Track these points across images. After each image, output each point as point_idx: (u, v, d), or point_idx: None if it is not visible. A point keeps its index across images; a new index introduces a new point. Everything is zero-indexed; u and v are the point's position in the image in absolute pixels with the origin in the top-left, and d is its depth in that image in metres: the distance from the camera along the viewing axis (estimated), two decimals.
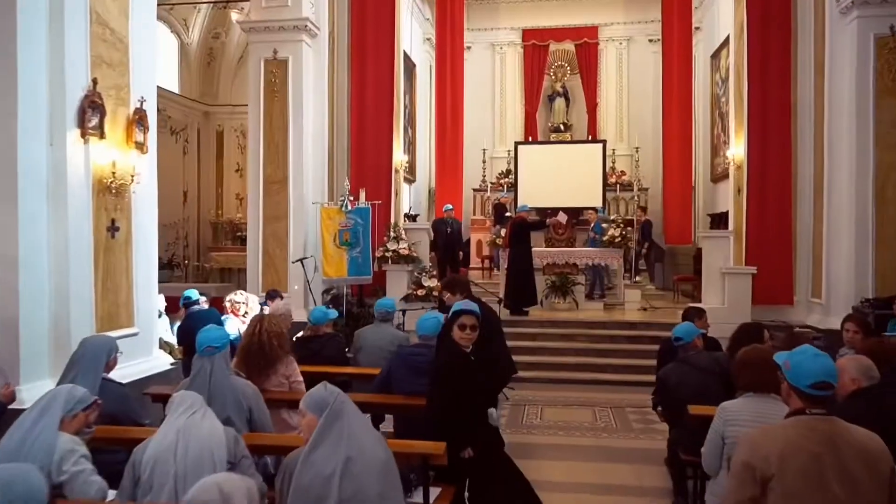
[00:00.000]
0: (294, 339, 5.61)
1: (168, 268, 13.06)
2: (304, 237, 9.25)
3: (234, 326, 6.42)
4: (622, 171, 15.15)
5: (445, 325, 4.04)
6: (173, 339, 6.72)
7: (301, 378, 4.50)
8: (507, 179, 14.98)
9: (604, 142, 14.14)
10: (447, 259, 11.69)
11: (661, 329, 9.15)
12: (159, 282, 13.52)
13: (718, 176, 13.69)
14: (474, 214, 14.83)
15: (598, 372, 8.62)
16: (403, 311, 8.03)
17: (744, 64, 9.47)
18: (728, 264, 8.81)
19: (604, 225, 11.13)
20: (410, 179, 14.75)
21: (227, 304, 6.90)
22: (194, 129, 14.33)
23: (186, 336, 6.41)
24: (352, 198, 9.01)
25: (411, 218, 14.08)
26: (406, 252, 9.09)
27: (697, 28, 14.59)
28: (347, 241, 9.02)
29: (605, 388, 8.21)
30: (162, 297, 6.97)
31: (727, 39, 12.02)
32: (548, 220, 11.15)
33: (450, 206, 13.06)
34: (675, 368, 4.30)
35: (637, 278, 11.80)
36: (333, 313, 5.69)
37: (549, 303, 10.55)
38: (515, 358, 8.78)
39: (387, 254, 9.11)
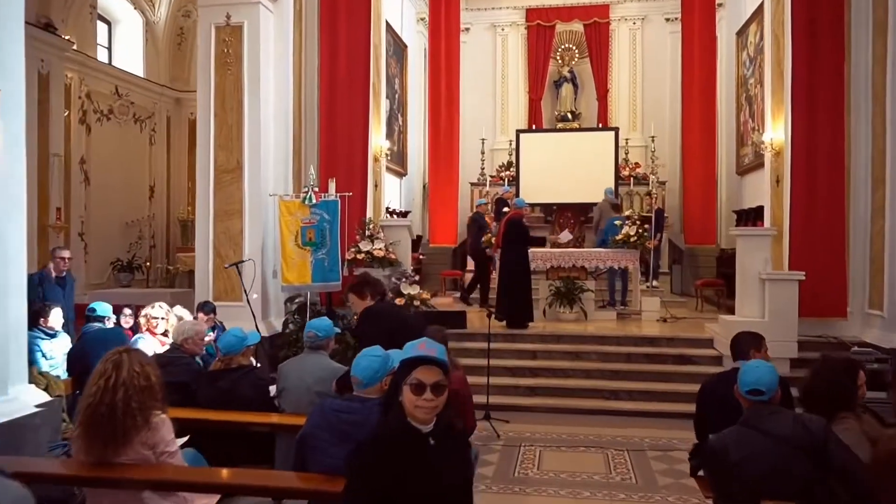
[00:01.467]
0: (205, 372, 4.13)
1: (128, 270, 11.63)
2: (261, 236, 7.77)
3: (150, 348, 4.97)
4: (636, 164, 13.59)
5: (393, 381, 2.51)
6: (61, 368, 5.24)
7: (176, 446, 3.01)
8: (508, 172, 13.46)
9: (616, 129, 12.59)
10: (480, 265, 10.12)
11: (686, 345, 7.63)
12: (119, 286, 12.23)
13: (745, 168, 12.09)
14: (471, 211, 13.26)
15: (610, 399, 7.08)
16: None
17: (785, 30, 7.91)
18: (767, 268, 7.24)
19: (617, 223, 9.57)
20: (401, 172, 13.26)
21: (142, 320, 5.44)
22: (163, 117, 12.89)
23: (77, 363, 4.95)
24: (317, 189, 7.52)
25: (401, 214, 12.60)
26: (381, 254, 7.59)
27: (720, 4, 13.01)
28: (311, 241, 7.53)
29: (619, 419, 6.68)
30: (59, 311, 5.49)
31: (757, 10, 10.46)
32: (549, 237, 9.68)
33: (483, 200, 11.44)
34: (738, 437, 2.76)
35: (655, 283, 10.23)
36: (254, 337, 4.19)
37: (553, 312, 9.02)
38: (509, 382, 7.41)
39: (358, 255, 7.61)
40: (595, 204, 11.24)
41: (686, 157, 12.97)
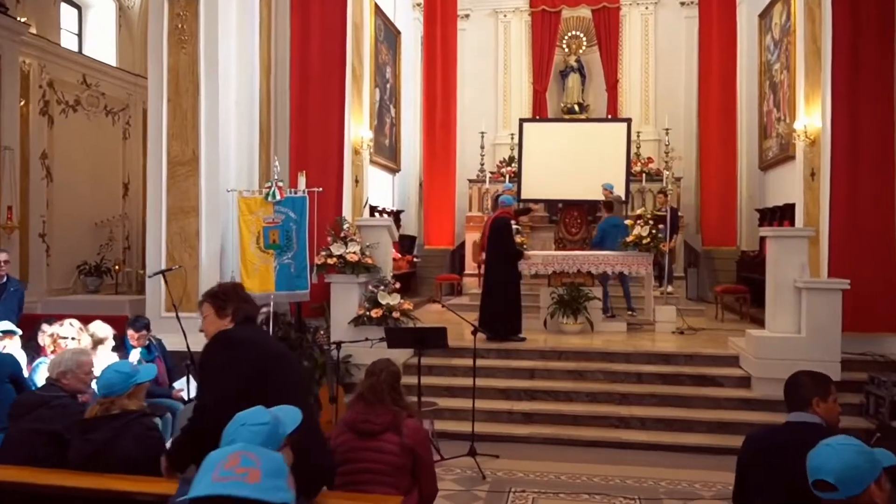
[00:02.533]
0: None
1: (96, 275, 10.72)
2: (220, 238, 6.82)
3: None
4: (649, 158, 12.51)
5: None
6: None
7: None
8: (509, 168, 12.42)
9: (629, 120, 11.51)
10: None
11: (707, 364, 6.60)
12: (86, 291, 11.32)
13: (770, 162, 11.01)
14: (470, 210, 12.29)
15: (619, 427, 6.04)
16: (338, 346, 5.54)
17: (822, 2, 6.85)
18: (805, 275, 6.17)
19: (627, 222, 8.53)
20: (393, 168, 12.28)
21: (47, 340, 4.48)
22: (138, 109, 11.96)
23: None
24: (281, 183, 6.54)
25: (393, 214, 11.61)
26: (355, 258, 6.60)
27: None
28: (275, 244, 6.56)
29: (630, 454, 5.64)
30: None
31: None
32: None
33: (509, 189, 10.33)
34: None
35: (670, 289, 9.16)
36: (148, 373, 3.20)
37: (556, 323, 7.99)
38: (502, 406, 6.43)
39: (329, 260, 6.62)
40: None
41: (703, 152, 11.89)
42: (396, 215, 11.92)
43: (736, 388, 6.34)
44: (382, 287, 6.75)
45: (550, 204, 11.97)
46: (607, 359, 6.85)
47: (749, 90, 11.74)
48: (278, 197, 6.52)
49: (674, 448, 5.70)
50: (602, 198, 9.78)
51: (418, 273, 12.41)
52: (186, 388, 5.15)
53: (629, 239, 8.20)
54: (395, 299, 6.71)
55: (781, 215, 9.79)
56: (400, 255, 11.53)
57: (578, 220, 11.46)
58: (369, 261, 6.76)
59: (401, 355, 6.42)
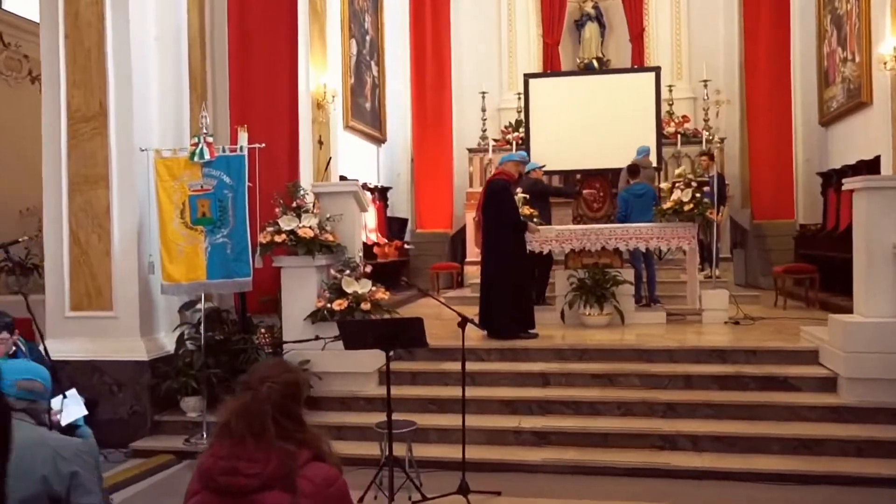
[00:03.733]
0: None
1: (20, 273, 9.64)
2: (138, 214, 5.70)
3: None
4: (684, 117, 11.29)
5: None
6: None
7: None
8: (516, 134, 11.27)
9: (657, 69, 10.32)
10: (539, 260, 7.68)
11: (777, 361, 5.48)
12: (8, 292, 10.27)
13: (833, 115, 9.81)
14: (471, 186, 11.16)
15: (665, 448, 4.88)
16: (277, 349, 4.44)
17: None
18: None
19: (663, 185, 7.37)
20: (377, 138, 11.16)
21: None
22: None
23: None
24: (211, 139, 5.43)
25: (377, 191, 10.49)
26: (310, 234, 5.47)
27: None
28: (206, 218, 5.44)
29: (680, 484, 4.49)
30: None
31: None
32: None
33: (536, 164, 8.87)
34: None
35: (717, 272, 7.97)
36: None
37: (575, 315, 6.84)
38: (506, 424, 5.12)
39: (276, 238, 5.49)
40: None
41: (751, 108, 10.69)
42: (382, 192, 10.81)
43: (818, 393, 5.17)
44: (348, 271, 5.62)
45: (566, 176, 10.81)
46: (644, 358, 5.69)
47: (804, 30, 10.56)
48: (207, 157, 5.40)
49: (740, 476, 4.53)
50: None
51: (411, 262, 11.30)
52: (64, 408, 4.04)
53: (667, 205, 7.02)
54: (364, 286, 5.58)
55: (854, 175, 8.57)
56: (387, 241, 10.43)
57: (601, 193, 10.33)
58: (330, 238, 5.63)
59: (377, 360, 5.33)
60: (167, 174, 5.41)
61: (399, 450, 4.29)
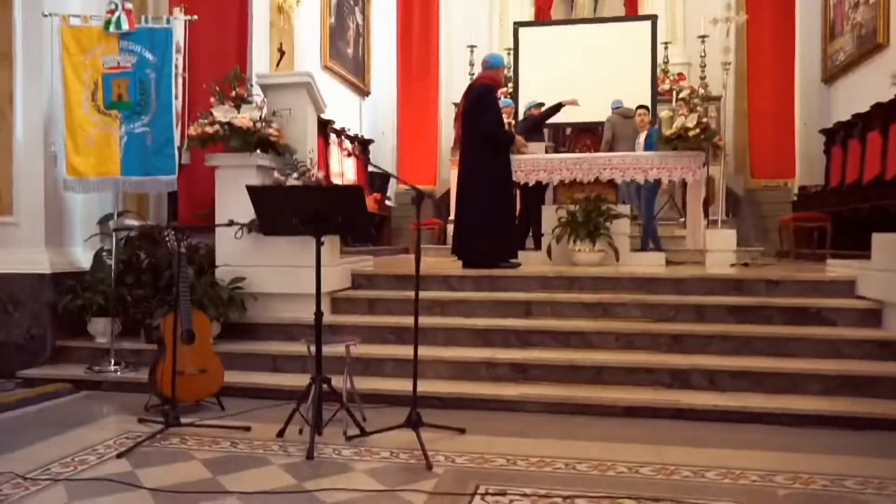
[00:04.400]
0: None
1: None
2: (46, 99, 4.43)
3: None
4: (679, 75, 10.08)
5: None
6: None
7: None
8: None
9: (653, 18, 9.11)
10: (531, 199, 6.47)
11: (804, 292, 4.28)
12: None
13: (839, 68, 8.64)
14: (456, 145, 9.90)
15: (673, 387, 3.67)
16: (181, 235, 3.21)
17: None
18: None
19: (663, 113, 6.16)
20: (360, 89, 9.93)
21: None
22: None
23: None
24: (130, 4, 4.17)
25: (358, 141, 9.25)
26: (247, 124, 4.22)
27: None
28: (122, 101, 4.20)
29: (695, 427, 3.28)
30: None
31: None
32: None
33: (534, 101, 7.67)
34: None
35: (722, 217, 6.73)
36: None
37: (563, 251, 5.60)
38: (480, 355, 3.77)
39: (209, 129, 4.24)
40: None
41: (752, 64, 9.45)
42: (363, 144, 9.56)
43: (859, 328, 3.96)
44: (296, 174, 4.37)
45: (556, 130, 9.60)
46: (646, 288, 4.47)
47: None
48: (126, 27, 4.17)
49: (768, 418, 3.33)
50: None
51: (393, 220, 10.05)
52: None
53: (669, 132, 5.80)
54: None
55: (864, 126, 7.37)
56: (368, 193, 9.19)
57: (592, 149, 9.11)
58: (274, 135, 4.37)
59: (331, 279, 4.09)
60: (76, 47, 4.19)
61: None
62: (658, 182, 6.15)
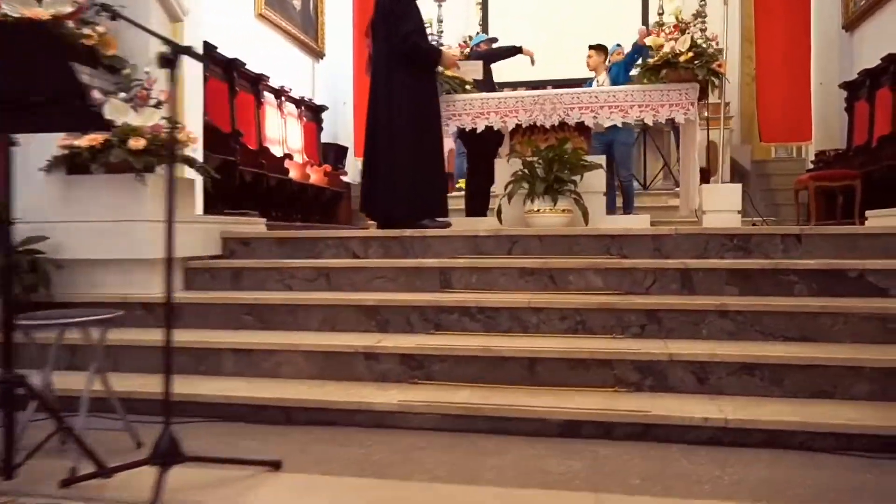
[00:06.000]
0: None
1: None
2: None
3: None
4: (675, 26, 8.66)
5: None
6: None
7: None
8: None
9: None
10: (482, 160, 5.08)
11: (839, 250, 2.88)
12: None
13: (862, 10, 7.26)
14: None
15: (640, 387, 2.34)
16: None
17: None
18: None
19: (646, 41, 4.81)
20: (312, 49, 8.68)
21: None
22: None
23: None
24: None
25: (309, 108, 7.99)
26: (40, 16, 2.96)
27: None
28: None
29: (661, 454, 1.96)
30: None
31: None
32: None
33: (483, 36, 6.36)
34: None
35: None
36: None
37: (517, 210, 4.28)
38: (350, 341, 2.61)
39: None
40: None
41: (760, 11, 8.08)
42: (315, 111, 8.26)
43: None
44: (124, 95, 3.08)
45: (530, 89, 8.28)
46: (612, 248, 3.14)
47: None
48: None
49: (796, 439, 2.00)
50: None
51: (353, 200, 8.76)
52: None
53: (653, 60, 4.48)
54: (150, 118, 3.05)
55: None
56: (317, 165, 7.94)
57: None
58: (91, 36, 3.09)
59: (192, 242, 2.84)
60: None
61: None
62: (634, 133, 4.86)
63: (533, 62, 5.69)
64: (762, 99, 7.83)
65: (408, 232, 3.39)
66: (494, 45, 5.92)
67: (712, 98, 7.70)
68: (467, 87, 4.87)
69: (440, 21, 8.88)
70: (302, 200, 7.14)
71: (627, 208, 5.61)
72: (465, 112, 4.60)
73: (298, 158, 7.63)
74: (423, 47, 3.76)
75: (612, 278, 2.90)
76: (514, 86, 7.76)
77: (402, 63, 3.70)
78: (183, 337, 2.55)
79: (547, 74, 7.83)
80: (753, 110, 8.48)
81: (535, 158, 4.26)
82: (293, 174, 7.11)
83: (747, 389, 2.29)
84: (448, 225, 3.76)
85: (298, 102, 7.80)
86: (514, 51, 5.52)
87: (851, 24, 7.51)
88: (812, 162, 7.86)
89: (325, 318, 2.88)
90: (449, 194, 4.33)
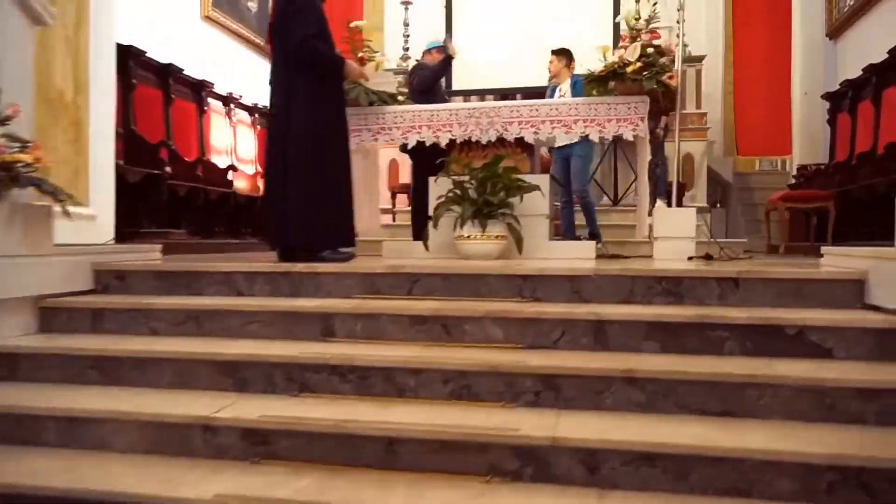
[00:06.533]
0: None
1: None
2: None
3: None
4: (653, 32, 8.25)
5: None
6: None
7: None
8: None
9: None
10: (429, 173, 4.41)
11: (781, 299, 2.43)
12: None
13: (846, 17, 6.85)
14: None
15: (518, 478, 1.90)
16: None
17: None
18: None
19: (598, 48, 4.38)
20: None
21: None
22: None
23: None
24: None
25: (256, 112, 7.60)
26: None
27: None
28: None
29: None
30: None
31: None
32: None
33: (435, 43, 5.62)
34: None
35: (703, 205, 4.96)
36: None
37: (445, 239, 3.84)
38: (161, 410, 2.17)
39: None
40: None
41: (738, 18, 7.67)
42: (264, 115, 7.85)
43: (868, 361, 2.19)
44: None
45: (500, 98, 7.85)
46: (522, 290, 2.71)
47: None
48: None
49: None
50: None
51: None
52: None
53: (600, 70, 4.05)
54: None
55: (880, 81, 5.56)
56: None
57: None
58: None
59: (50, 277, 2.44)
60: None
61: None
62: (592, 145, 4.44)
63: (453, 55, 5.09)
64: (740, 109, 7.41)
65: (298, 267, 2.96)
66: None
67: (690, 108, 7.33)
68: (399, 98, 4.45)
69: (406, 25, 8.53)
70: (251, 214, 6.73)
71: (590, 226, 5.18)
72: (395, 125, 4.19)
73: (250, 169, 7.22)
74: (322, 52, 3.32)
75: (514, 329, 2.47)
76: (471, 92, 7.32)
77: (301, 71, 3.27)
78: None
79: (516, 82, 7.39)
80: (734, 122, 8.08)
81: (467, 178, 3.85)
82: (242, 186, 6.70)
83: (646, 483, 1.86)
84: (351, 258, 3.33)
85: (252, 109, 7.39)
86: (448, 59, 5.06)
87: (835, 31, 7.09)
88: (794, 177, 7.45)
89: (178, 375, 2.45)
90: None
